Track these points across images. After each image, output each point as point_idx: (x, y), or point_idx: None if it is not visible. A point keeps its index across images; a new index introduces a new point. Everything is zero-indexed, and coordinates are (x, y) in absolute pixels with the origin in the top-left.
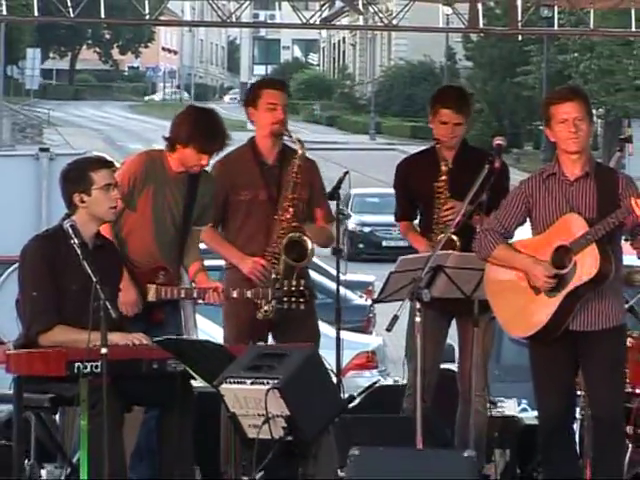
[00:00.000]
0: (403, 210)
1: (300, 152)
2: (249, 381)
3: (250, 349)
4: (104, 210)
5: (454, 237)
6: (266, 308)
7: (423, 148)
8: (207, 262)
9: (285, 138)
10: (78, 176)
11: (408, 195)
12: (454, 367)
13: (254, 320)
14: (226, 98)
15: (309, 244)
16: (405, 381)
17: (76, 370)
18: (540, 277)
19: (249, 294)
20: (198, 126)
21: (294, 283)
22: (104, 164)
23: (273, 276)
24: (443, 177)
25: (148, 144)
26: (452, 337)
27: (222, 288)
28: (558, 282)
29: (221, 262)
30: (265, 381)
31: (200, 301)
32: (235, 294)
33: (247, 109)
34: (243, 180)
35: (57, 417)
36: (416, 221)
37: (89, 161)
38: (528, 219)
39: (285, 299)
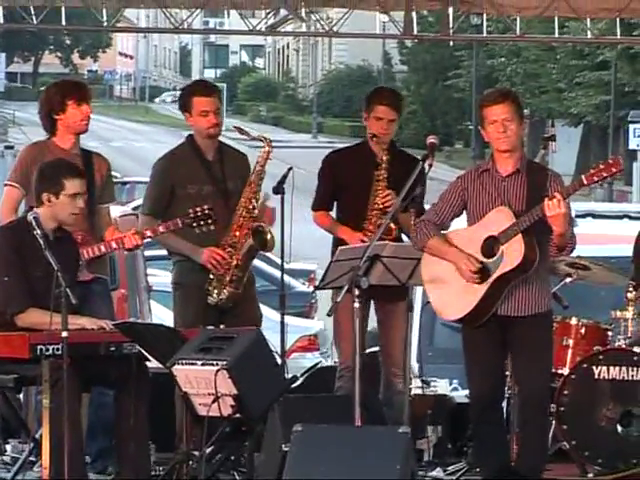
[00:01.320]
0: (324, 200)
1: (267, 149)
2: (200, 362)
3: (200, 332)
4: (66, 215)
5: (392, 225)
6: (222, 296)
7: (353, 143)
8: (155, 252)
9: (251, 138)
10: (52, 178)
11: (333, 186)
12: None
13: (205, 306)
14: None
15: (270, 233)
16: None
17: (38, 352)
18: (465, 272)
19: (161, 228)
20: (64, 86)
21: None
22: (78, 174)
23: (234, 262)
24: (384, 165)
25: (106, 142)
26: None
27: (135, 231)
28: (486, 270)
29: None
30: (215, 362)
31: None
32: (149, 232)
33: (183, 114)
34: (188, 175)
35: (21, 396)
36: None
37: (66, 167)
38: (465, 211)
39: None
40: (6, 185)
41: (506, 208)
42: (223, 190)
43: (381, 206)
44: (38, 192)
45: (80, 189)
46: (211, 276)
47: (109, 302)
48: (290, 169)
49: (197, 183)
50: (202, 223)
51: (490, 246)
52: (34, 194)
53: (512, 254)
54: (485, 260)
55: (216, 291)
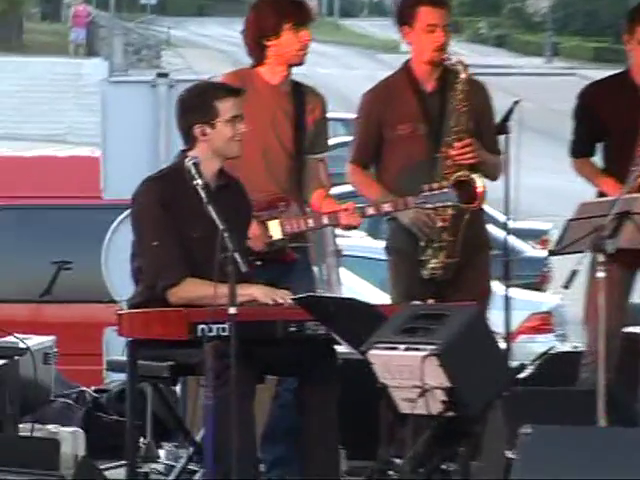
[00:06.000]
0: (584, 145)
1: (463, 76)
2: (402, 346)
3: (404, 309)
4: (229, 145)
5: None
6: (433, 265)
7: (613, 73)
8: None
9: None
10: (201, 105)
11: (593, 127)
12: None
13: (420, 278)
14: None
15: (479, 183)
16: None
17: (200, 333)
18: None
19: (387, 207)
20: (280, 5)
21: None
22: (231, 92)
23: (439, 224)
24: None
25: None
26: None
27: (354, 207)
28: None
29: None
30: (421, 347)
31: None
32: (372, 210)
33: (400, 28)
34: (399, 112)
35: (177, 388)
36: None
37: (214, 87)
38: None
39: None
40: None
41: None
42: (437, 131)
43: None
44: (187, 128)
45: (238, 110)
46: (421, 244)
47: (310, 276)
48: (517, 102)
49: (410, 122)
50: (439, 206)
51: None
52: (182, 133)
53: None
54: None
55: (429, 262)
